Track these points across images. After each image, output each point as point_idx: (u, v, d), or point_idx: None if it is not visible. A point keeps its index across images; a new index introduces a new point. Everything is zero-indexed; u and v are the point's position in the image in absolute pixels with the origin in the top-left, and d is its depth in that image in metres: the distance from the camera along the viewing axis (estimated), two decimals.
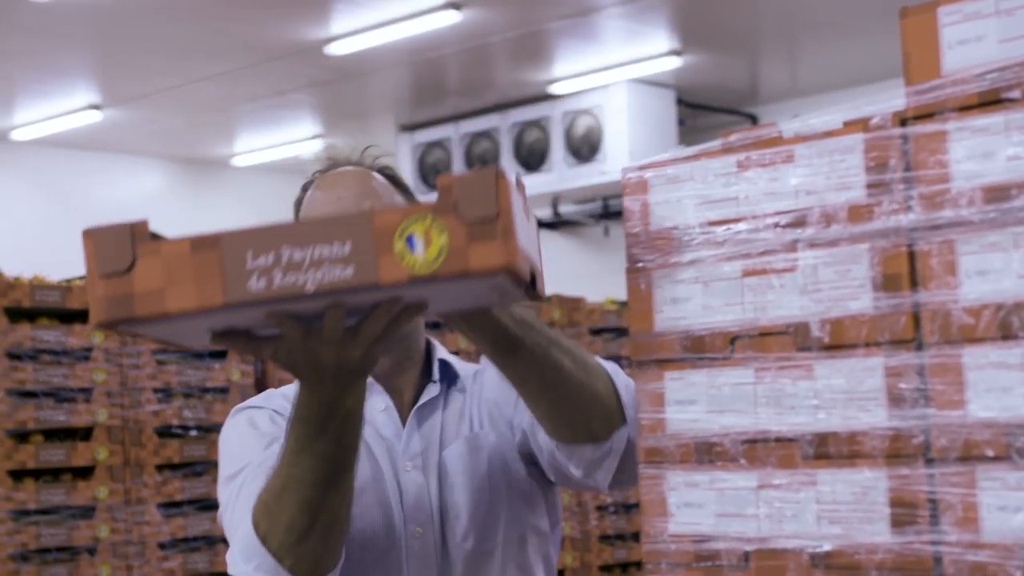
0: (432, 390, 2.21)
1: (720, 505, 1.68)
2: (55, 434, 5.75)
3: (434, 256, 1.46)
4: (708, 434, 1.71)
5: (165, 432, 5.95)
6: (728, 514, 1.68)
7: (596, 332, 7.56)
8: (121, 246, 1.54)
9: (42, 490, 5.63)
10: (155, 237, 1.57)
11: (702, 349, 1.69)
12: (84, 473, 5.79)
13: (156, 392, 5.97)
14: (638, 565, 7.65)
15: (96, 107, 10.40)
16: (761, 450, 1.64)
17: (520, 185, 1.57)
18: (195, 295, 1.49)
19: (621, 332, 7.69)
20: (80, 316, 5.81)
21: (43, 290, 5.70)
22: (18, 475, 5.64)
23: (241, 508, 1.96)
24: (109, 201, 11.97)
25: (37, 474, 5.70)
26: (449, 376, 2.25)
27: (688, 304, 1.70)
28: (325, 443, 1.78)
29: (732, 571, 1.68)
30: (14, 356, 5.61)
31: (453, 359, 2.29)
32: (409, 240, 1.46)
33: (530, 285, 1.60)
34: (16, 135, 11.11)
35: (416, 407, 2.19)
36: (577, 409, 1.97)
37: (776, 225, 1.64)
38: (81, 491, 5.73)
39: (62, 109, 10.43)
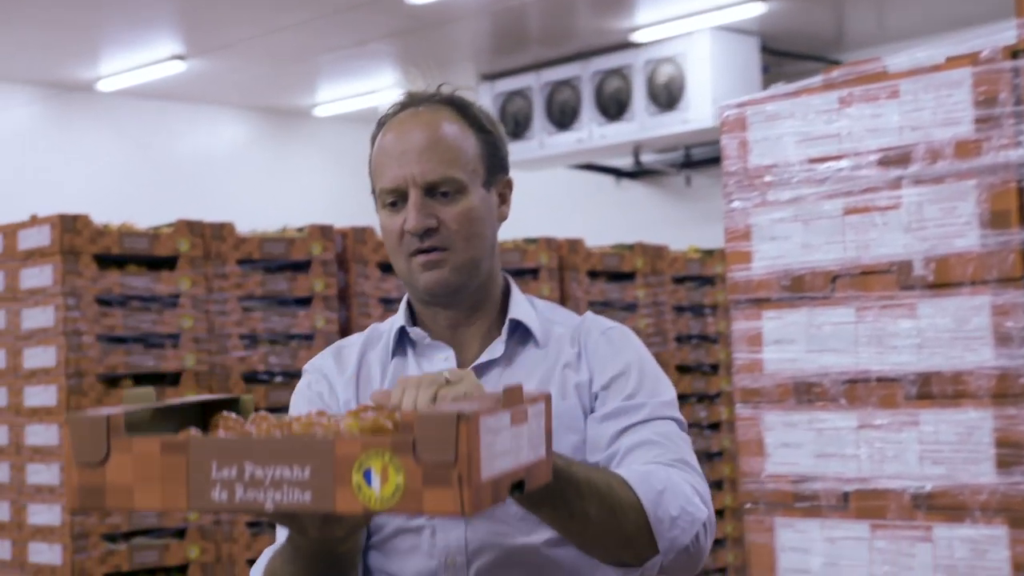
0: (495, 350, 2.12)
1: (819, 445, 1.67)
2: (144, 379, 5.83)
3: (390, 494, 1.46)
4: (807, 374, 1.69)
5: (251, 378, 6.01)
6: (827, 454, 1.67)
7: (679, 280, 7.53)
8: (97, 438, 1.57)
9: None
10: (131, 430, 1.61)
11: (801, 288, 1.67)
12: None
13: (242, 338, 6.02)
14: (719, 513, 7.65)
15: (180, 57, 10.47)
16: (862, 390, 1.63)
17: (512, 398, 1.58)
18: (160, 496, 1.54)
19: (704, 280, 7.65)
20: (168, 263, 5.87)
21: (131, 237, 5.76)
22: None
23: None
24: (192, 151, 12.08)
25: None
26: (520, 334, 2.15)
27: (787, 243, 1.68)
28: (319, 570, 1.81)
29: (831, 511, 1.66)
30: (104, 302, 5.69)
31: (537, 312, 2.18)
32: (366, 474, 1.46)
33: (516, 487, 1.61)
34: (101, 86, 11.22)
35: (473, 365, 2.11)
36: (605, 551, 1.93)
37: (879, 162, 1.62)
38: None
39: (146, 60, 10.51)
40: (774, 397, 1.70)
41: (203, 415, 1.83)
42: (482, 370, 2.09)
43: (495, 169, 2.17)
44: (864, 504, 1.63)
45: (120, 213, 6.40)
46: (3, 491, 5.85)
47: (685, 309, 7.55)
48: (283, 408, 5.97)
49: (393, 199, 2.09)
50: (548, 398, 1.72)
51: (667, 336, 7.45)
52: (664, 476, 1.93)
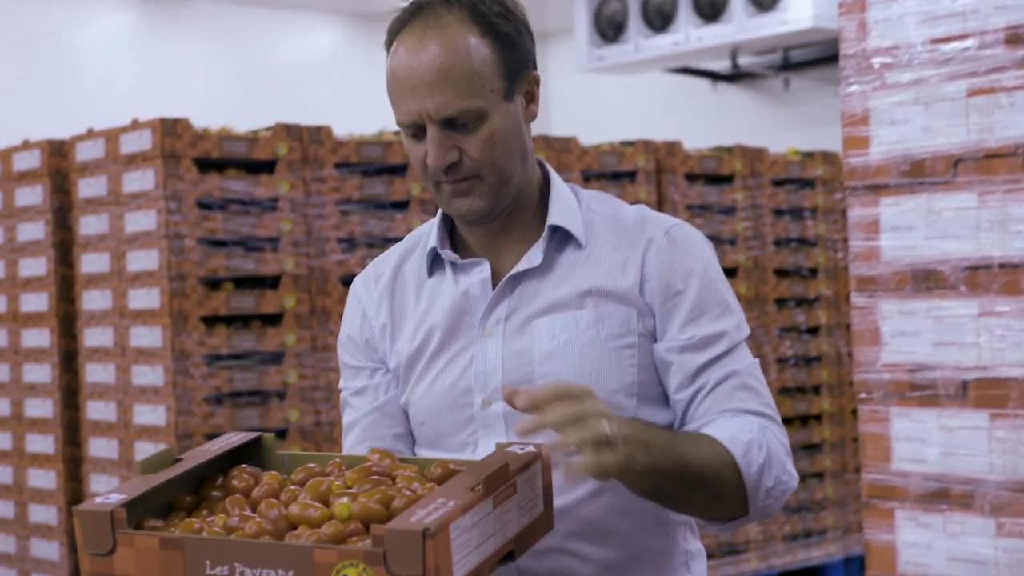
0: (533, 258, 2.03)
1: (937, 334, 1.63)
2: (244, 282, 5.88)
3: None
4: (926, 261, 1.65)
5: (349, 281, 6.01)
6: (946, 343, 1.63)
7: (778, 183, 7.44)
8: (103, 531, 1.67)
9: (233, 336, 5.78)
10: (132, 522, 1.71)
11: (922, 173, 1.63)
12: (273, 320, 5.92)
13: (340, 242, 6.05)
14: (818, 418, 7.60)
15: None
16: (983, 277, 1.59)
17: (495, 481, 1.62)
18: None
19: (804, 183, 7.55)
20: (266, 167, 5.89)
21: (231, 141, 5.79)
22: (211, 321, 5.79)
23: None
24: (289, 56, 12.10)
25: (228, 321, 5.84)
26: (560, 236, 2.05)
27: (907, 127, 1.64)
28: None
29: (949, 400, 1.63)
30: (204, 206, 5.73)
31: (583, 206, 2.06)
32: None
33: (506, 558, 1.67)
34: None
35: (509, 274, 2.04)
36: (696, 515, 1.94)
37: (1006, 40, 1.56)
38: (270, 337, 5.86)
39: None
40: (891, 285, 1.66)
41: (232, 456, 1.90)
42: (519, 279, 2.03)
43: (516, 75, 2.02)
44: (984, 393, 1.59)
45: (219, 119, 6.42)
46: (109, 392, 5.95)
47: (784, 212, 7.47)
48: None
49: (412, 131, 2.00)
50: (546, 456, 1.76)
51: (765, 240, 7.37)
52: (763, 441, 1.89)
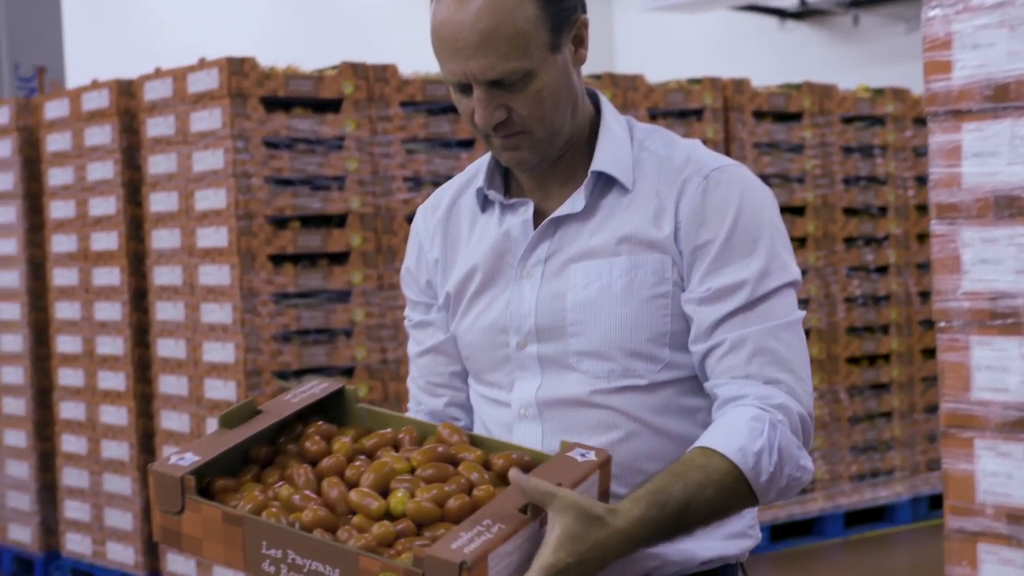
0: (575, 203, 1.98)
1: (1019, 261, 1.60)
2: (311, 221, 5.90)
3: None
4: (1009, 187, 1.62)
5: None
6: None
7: (848, 120, 7.36)
8: (173, 493, 1.77)
9: (301, 275, 5.81)
10: (199, 485, 1.79)
11: (1006, 98, 1.59)
12: (339, 259, 5.94)
13: (406, 180, 6.05)
14: (886, 358, 7.55)
15: None
16: None
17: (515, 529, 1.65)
18: (223, 555, 1.74)
19: (874, 120, 7.47)
20: (332, 106, 5.90)
21: (297, 80, 5.79)
22: (278, 260, 5.82)
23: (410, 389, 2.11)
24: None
25: (295, 259, 5.87)
26: (606, 180, 1.99)
27: (991, 50, 1.60)
28: None
29: None
30: (271, 144, 5.75)
31: (635, 142, 2.00)
32: None
33: None
34: None
35: (550, 217, 1.99)
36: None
37: None
38: (337, 276, 5.89)
39: None
40: (972, 212, 1.63)
41: (314, 408, 1.94)
42: (560, 223, 1.98)
43: (562, 24, 1.93)
44: None
45: (284, 58, 6.43)
46: (179, 330, 6.01)
47: (853, 150, 7.39)
48: None
49: (458, 88, 1.95)
50: (604, 463, 1.76)
51: (834, 178, 7.30)
52: (774, 444, 1.83)
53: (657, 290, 1.92)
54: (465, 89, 1.94)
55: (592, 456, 1.77)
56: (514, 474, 1.69)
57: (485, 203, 2.05)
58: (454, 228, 2.10)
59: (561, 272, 1.97)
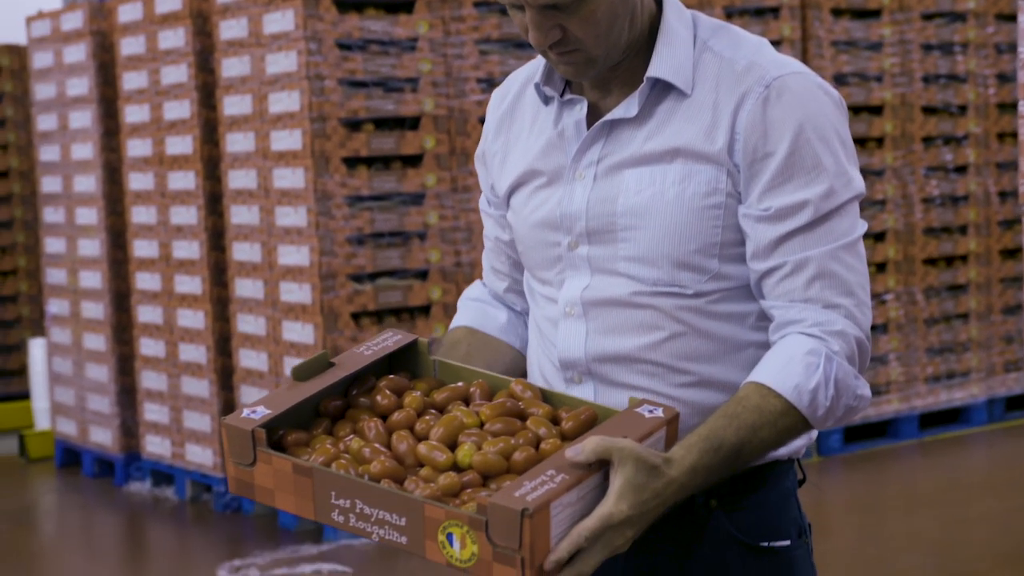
0: (629, 108, 1.92)
1: None
2: (385, 123, 5.88)
3: (467, 557, 1.65)
4: None
5: None
6: None
7: (928, 17, 7.22)
8: (245, 446, 1.80)
9: (374, 177, 5.80)
10: (272, 435, 1.82)
11: None
12: (413, 161, 5.93)
13: (479, 82, 6.01)
14: (964, 259, 7.46)
15: None
16: None
17: (571, 481, 1.66)
18: (295, 505, 1.79)
19: (955, 16, 7.31)
20: (405, 6, 5.85)
21: None
22: (352, 163, 5.82)
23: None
24: None
25: (369, 162, 5.86)
26: (661, 88, 1.92)
27: None
28: None
29: None
30: (344, 46, 5.72)
31: (698, 40, 1.93)
32: (449, 536, 1.66)
33: None
34: None
35: (604, 119, 1.93)
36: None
37: None
38: (411, 178, 5.88)
39: None
40: None
41: (387, 362, 1.97)
42: (614, 126, 1.93)
43: None
44: None
45: None
46: (254, 233, 6.03)
47: (933, 47, 7.25)
48: None
49: (513, 6, 1.90)
50: (672, 420, 1.77)
51: (913, 76, 7.17)
52: (830, 377, 1.81)
53: (709, 200, 1.88)
54: (520, 7, 1.90)
55: (659, 412, 1.78)
56: (571, 452, 1.70)
57: (546, 96, 2.01)
58: (519, 120, 2.06)
59: (613, 176, 1.93)
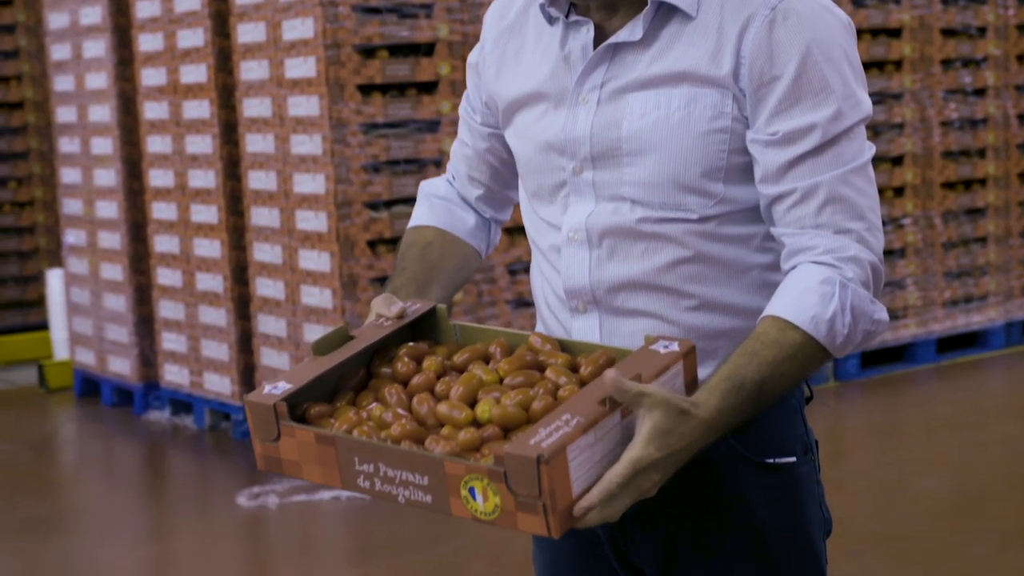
0: (634, 31, 1.89)
1: None
2: (399, 50, 5.85)
3: (491, 510, 1.66)
4: None
5: None
6: None
7: None
8: (268, 421, 1.82)
9: (389, 104, 5.78)
10: (293, 410, 1.84)
11: None
12: (428, 88, 5.90)
13: None
14: (982, 182, 7.42)
15: None
16: None
17: (590, 423, 1.66)
18: (321, 475, 1.80)
19: None
20: None
21: None
22: (366, 90, 5.79)
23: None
24: None
25: (384, 89, 5.83)
26: (666, 11, 1.89)
27: None
28: None
29: None
30: None
31: None
32: (471, 491, 1.67)
33: None
34: None
35: (608, 42, 1.91)
36: None
37: None
38: (426, 105, 5.85)
39: None
40: None
41: (409, 329, 1.98)
42: (618, 49, 1.91)
43: None
44: None
45: None
46: (269, 162, 6.02)
47: None
48: None
49: None
50: (688, 352, 1.76)
51: None
52: (846, 304, 1.80)
53: (715, 124, 1.86)
54: None
55: (675, 347, 1.77)
56: (611, 374, 1.68)
57: (551, 17, 1.99)
58: (520, 37, 2.03)
59: (617, 100, 1.91)
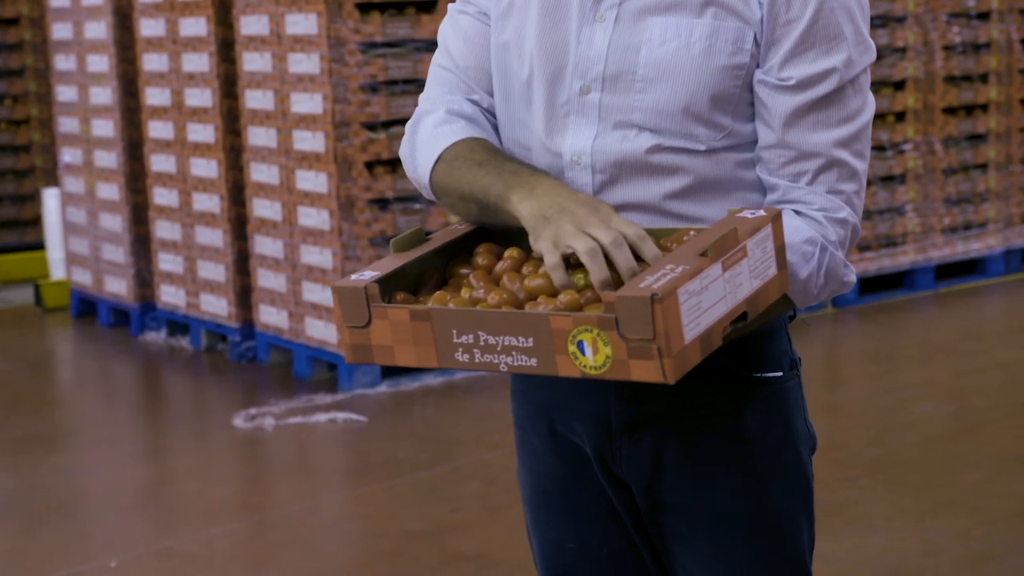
0: None
1: None
2: None
3: (601, 363, 1.63)
4: None
5: None
6: None
7: None
8: (359, 306, 1.77)
9: (388, 23, 5.71)
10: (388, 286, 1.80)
11: None
12: (427, 7, 5.83)
13: None
14: (984, 108, 7.37)
15: None
16: None
17: (723, 246, 1.65)
18: (415, 355, 1.76)
19: None
20: None
21: None
22: (365, 8, 5.72)
23: (423, 136, 1.97)
24: None
25: (383, 8, 5.77)
26: None
27: None
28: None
29: None
30: None
31: None
32: (580, 345, 1.63)
33: (738, 320, 1.72)
34: None
35: None
36: None
37: None
38: (425, 24, 5.79)
39: None
40: None
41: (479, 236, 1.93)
42: None
43: None
44: None
45: None
46: (266, 80, 5.96)
47: None
48: None
49: None
50: (777, 217, 1.75)
51: None
52: (823, 266, 1.83)
53: (734, 60, 1.84)
54: None
55: (761, 212, 1.76)
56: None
57: None
58: None
59: (637, 22, 1.86)
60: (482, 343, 1.69)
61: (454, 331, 1.71)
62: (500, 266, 1.82)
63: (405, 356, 1.76)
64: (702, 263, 1.65)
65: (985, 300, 7.29)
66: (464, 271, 1.87)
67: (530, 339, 1.66)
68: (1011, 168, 7.51)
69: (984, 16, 7.29)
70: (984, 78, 7.33)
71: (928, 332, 6.76)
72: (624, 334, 1.60)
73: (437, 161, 1.93)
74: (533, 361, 1.67)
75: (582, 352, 1.63)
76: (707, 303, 1.66)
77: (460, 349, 1.71)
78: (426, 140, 1.96)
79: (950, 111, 7.27)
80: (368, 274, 1.80)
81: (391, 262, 1.84)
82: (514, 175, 1.84)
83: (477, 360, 1.70)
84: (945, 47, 7.16)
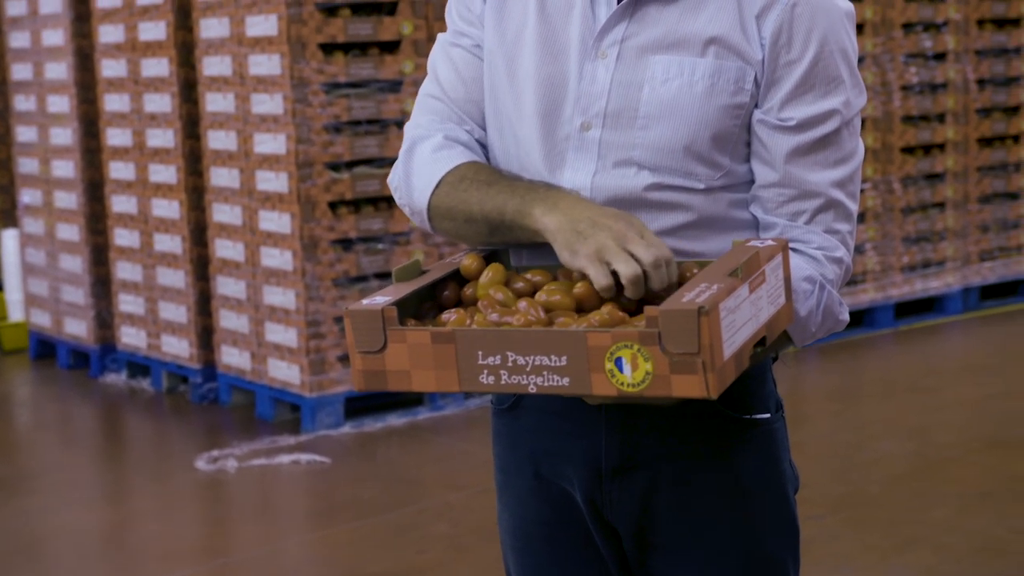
0: None
1: None
2: (362, 8, 5.79)
3: (640, 379, 1.60)
4: None
5: None
6: None
7: None
8: (374, 330, 1.71)
9: (351, 64, 5.72)
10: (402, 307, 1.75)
11: None
12: (390, 47, 5.85)
13: None
14: (941, 147, 7.44)
15: None
16: None
17: (750, 267, 1.65)
18: (435, 380, 1.70)
19: None
20: None
21: None
22: (329, 49, 5.73)
23: (420, 160, 1.94)
24: None
25: (346, 48, 5.78)
26: None
27: None
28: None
29: None
30: None
31: None
32: (618, 362, 1.60)
33: (758, 345, 1.71)
34: None
35: None
36: None
37: None
38: (388, 65, 5.80)
39: None
40: None
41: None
42: (642, 3, 1.87)
43: None
44: None
45: None
46: (229, 121, 5.95)
47: None
48: None
49: None
50: (785, 247, 1.75)
51: None
52: (821, 303, 1.86)
53: (735, 99, 1.86)
54: None
55: (770, 242, 1.76)
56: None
57: None
58: None
59: (639, 59, 1.87)
60: (510, 364, 1.65)
61: (479, 352, 1.66)
62: (516, 286, 1.78)
63: (423, 381, 1.71)
64: (734, 282, 1.64)
65: (944, 337, 7.34)
66: (469, 292, 1.82)
67: (564, 357, 1.63)
68: (968, 207, 7.58)
69: (940, 57, 7.37)
70: (941, 118, 7.41)
71: (889, 369, 6.79)
72: (667, 348, 1.58)
73: (438, 184, 1.91)
74: (565, 380, 1.63)
75: (620, 369, 1.60)
76: (739, 322, 1.65)
77: (485, 371, 1.67)
78: (424, 164, 1.94)
79: (908, 150, 7.34)
80: (381, 299, 1.75)
81: (401, 288, 1.79)
82: (530, 191, 1.83)
83: (504, 382, 1.66)
84: (903, 87, 7.23)
